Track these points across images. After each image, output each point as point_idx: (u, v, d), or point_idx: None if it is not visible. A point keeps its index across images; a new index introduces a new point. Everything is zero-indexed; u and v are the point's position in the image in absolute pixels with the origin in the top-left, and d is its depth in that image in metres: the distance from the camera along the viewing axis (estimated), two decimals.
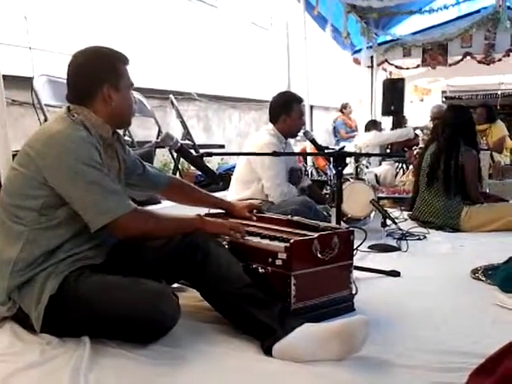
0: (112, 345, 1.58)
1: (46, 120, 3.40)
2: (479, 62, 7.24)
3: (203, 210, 2.26)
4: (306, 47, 6.34)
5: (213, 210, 2.28)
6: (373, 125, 6.71)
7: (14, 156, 2.11)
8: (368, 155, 5.69)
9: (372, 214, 3.31)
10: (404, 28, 7.69)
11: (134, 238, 1.74)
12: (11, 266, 1.62)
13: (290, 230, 2.01)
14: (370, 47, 7.69)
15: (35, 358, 1.50)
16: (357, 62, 8.01)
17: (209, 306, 1.78)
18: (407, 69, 8.08)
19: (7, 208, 1.67)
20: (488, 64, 7.16)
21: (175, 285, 2.02)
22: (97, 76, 1.73)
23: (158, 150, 4.45)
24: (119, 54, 1.79)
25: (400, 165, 6.70)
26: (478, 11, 6.99)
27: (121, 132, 1.98)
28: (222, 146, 5.98)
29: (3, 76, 2.33)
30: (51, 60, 5.31)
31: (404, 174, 6.15)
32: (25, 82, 3.93)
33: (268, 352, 1.54)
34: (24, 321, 1.66)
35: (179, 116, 5.03)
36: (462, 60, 7.29)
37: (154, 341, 1.60)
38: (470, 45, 7.20)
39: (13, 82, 4.25)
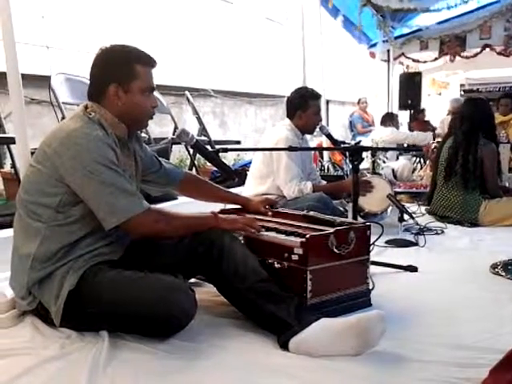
0: (130, 339, 1.60)
1: (63, 118, 3.44)
2: (499, 53, 7.12)
3: (219, 206, 2.27)
4: (322, 42, 6.30)
5: (229, 206, 2.29)
6: (389, 118, 6.58)
7: (32, 154, 2.14)
8: (385, 149, 5.65)
9: (389, 209, 3.28)
10: (421, 20, 7.59)
11: (147, 237, 1.76)
12: (30, 261, 1.65)
13: (305, 225, 2.00)
14: (386, 41, 7.61)
15: (55, 351, 1.53)
16: (373, 55, 7.94)
17: (225, 301, 1.79)
18: (424, 62, 7.99)
19: (25, 205, 1.69)
20: (508, 56, 7.03)
21: (192, 280, 2.03)
22: (107, 74, 1.73)
23: (174, 146, 4.47)
24: (140, 54, 1.75)
25: (417, 159, 6.63)
26: (497, 1, 6.86)
27: None
28: (238, 142, 5.99)
29: (22, 75, 2.36)
30: (68, 58, 5.38)
31: (421, 168, 6.09)
32: (43, 81, 3.98)
33: (284, 346, 1.54)
34: (44, 315, 1.69)
35: (195, 112, 5.05)
36: (480, 52, 7.18)
37: (171, 335, 1.62)
38: (489, 36, 7.07)
39: (31, 80, 4.31)
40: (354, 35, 7.27)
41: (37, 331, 1.67)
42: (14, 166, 3.51)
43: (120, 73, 1.72)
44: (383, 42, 7.56)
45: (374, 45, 7.77)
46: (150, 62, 1.76)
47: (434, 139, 6.12)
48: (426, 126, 6.41)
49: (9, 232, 2.05)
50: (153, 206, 1.74)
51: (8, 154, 3.77)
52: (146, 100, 1.76)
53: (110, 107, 1.73)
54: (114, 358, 1.49)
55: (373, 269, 2.11)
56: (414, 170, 5.95)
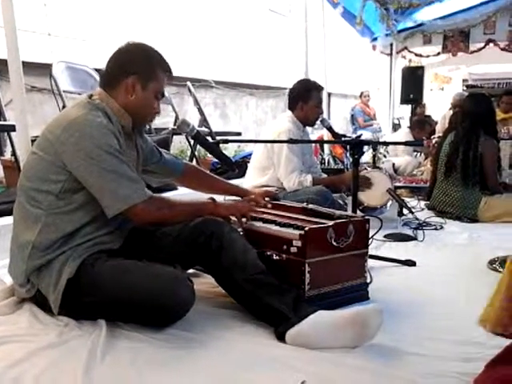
0: (128, 328, 1.61)
1: (64, 106, 3.43)
2: (502, 49, 7.09)
3: (219, 197, 2.27)
4: (325, 34, 6.28)
5: (228, 197, 2.29)
6: (419, 124, 5.89)
7: (33, 142, 2.14)
8: (385, 143, 5.63)
9: (388, 203, 3.28)
10: (425, 14, 7.55)
11: (149, 224, 1.78)
12: (29, 248, 1.65)
13: (305, 217, 2.00)
14: (389, 34, 7.58)
15: (53, 339, 1.54)
16: (375, 49, 7.91)
17: (223, 292, 1.80)
18: (427, 56, 7.95)
19: (26, 191, 1.69)
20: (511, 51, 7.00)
21: (190, 270, 2.04)
22: (130, 66, 1.75)
23: (174, 137, 4.47)
24: (164, 61, 1.80)
25: (420, 155, 6.56)
26: None
27: None
28: (239, 134, 5.98)
29: (23, 62, 2.36)
30: (70, 46, 5.36)
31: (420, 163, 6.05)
32: (44, 69, 3.97)
33: (281, 338, 1.55)
34: (42, 303, 1.70)
35: (196, 103, 5.04)
36: (484, 47, 7.15)
37: (169, 325, 1.62)
38: (493, 31, 7.03)
39: (32, 68, 4.29)
40: (357, 28, 7.22)
41: (35, 319, 1.67)
42: (14, 153, 3.50)
43: (143, 69, 1.75)
44: (386, 35, 7.52)
45: (377, 38, 7.74)
46: (169, 72, 1.83)
47: (431, 137, 6.06)
48: (422, 127, 6.18)
49: (8, 220, 2.05)
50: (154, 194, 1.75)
51: (8, 142, 3.76)
52: (155, 103, 1.81)
53: (120, 97, 1.75)
54: (112, 346, 1.49)
55: (371, 262, 2.12)
56: (419, 165, 5.89)
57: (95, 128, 1.62)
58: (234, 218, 1.92)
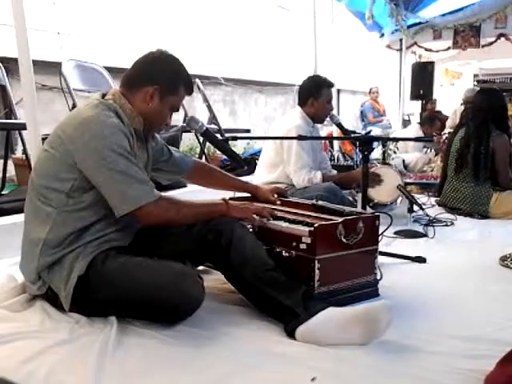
0: (138, 325, 1.62)
1: (74, 104, 3.45)
2: None
3: (228, 194, 2.27)
4: (334, 30, 6.25)
5: (238, 194, 2.29)
6: (429, 122, 6.06)
7: (43, 140, 2.16)
8: (395, 139, 5.60)
9: (399, 200, 3.27)
10: (435, 9, 7.47)
11: (157, 225, 1.77)
12: (40, 245, 1.67)
13: (314, 214, 2.00)
14: (399, 30, 7.51)
15: (64, 336, 1.55)
16: (386, 44, 7.86)
17: (233, 289, 1.80)
18: (437, 52, 7.89)
19: (37, 189, 1.71)
20: None
21: (200, 267, 2.04)
22: (156, 75, 1.76)
23: (184, 134, 4.47)
24: (189, 80, 1.83)
25: (430, 151, 6.51)
26: None
27: None
28: (248, 131, 5.96)
29: (33, 61, 2.37)
30: (80, 45, 5.38)
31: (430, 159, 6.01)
32: (54, 67, 3.99)
33: (291, 335, 1.55)
34: (54, 300, 1.71)
35: (205, 100, 5.04)
36: (495, 41, 7.07)
37: (179, 321, 1.63)
38: (505, 25, 6.95)
39: (42, 66, 4.32)
40: (364, 23, 7.15)
41: (46, 315, 1.69)
42: (25, 151, 3.53)
43: (168, 83, 1.77)
44: (396, 30, 7.46)
45: (386, 34, 7.68)
46: (190, 91, 1.85)
47: (441, 133, 6.01)
48: (432, 123, 6.14)
49: (20, 217, 2.07)
50: (163, 193, 1.75)
51: (19, 140, 3.79)
52: (168, 116, 1.84)
53: (136, 101, 1.76)
54: (123, 343, 1.50)
55: (381, 259, 2.11)
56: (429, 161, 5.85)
57: (107, 128, 1.63)
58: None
